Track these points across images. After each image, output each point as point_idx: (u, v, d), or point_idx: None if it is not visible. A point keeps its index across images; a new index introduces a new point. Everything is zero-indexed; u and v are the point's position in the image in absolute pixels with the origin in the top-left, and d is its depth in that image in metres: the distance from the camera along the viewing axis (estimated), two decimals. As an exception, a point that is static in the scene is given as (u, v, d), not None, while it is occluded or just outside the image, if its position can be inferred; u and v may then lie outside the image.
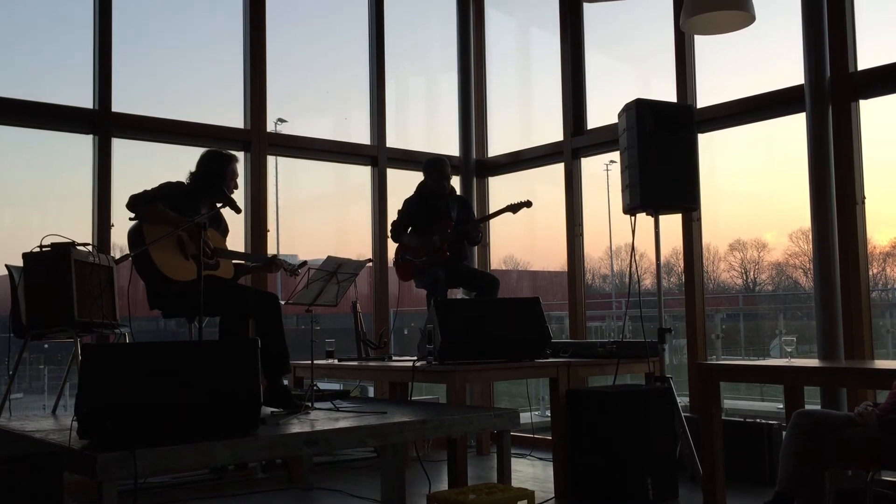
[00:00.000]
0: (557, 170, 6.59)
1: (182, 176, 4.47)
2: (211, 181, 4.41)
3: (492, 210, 6.60)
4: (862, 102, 4.90)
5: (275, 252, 6.16)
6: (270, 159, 6.20)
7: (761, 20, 4.59)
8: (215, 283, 4.18)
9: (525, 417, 6.49)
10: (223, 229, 4.63)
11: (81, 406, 2.88)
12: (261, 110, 6.07)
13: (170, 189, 4.32)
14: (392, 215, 6.17)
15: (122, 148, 5.52)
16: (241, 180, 4.64)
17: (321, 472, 5.34)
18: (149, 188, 4.26)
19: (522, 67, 7.94)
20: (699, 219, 5.56)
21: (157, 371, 3.01)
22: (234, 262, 4.62)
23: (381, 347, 5.70)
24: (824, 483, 3.49)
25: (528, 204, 5.70)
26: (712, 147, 6.03)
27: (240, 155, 5.95)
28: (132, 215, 4.17)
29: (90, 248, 4.50)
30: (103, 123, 5.42)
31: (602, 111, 6.43)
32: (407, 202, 5.93)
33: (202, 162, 4.47)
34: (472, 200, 6.99)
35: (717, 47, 5.80)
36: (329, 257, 4.17)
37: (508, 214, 5.76)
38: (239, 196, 4.53)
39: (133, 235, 4.17)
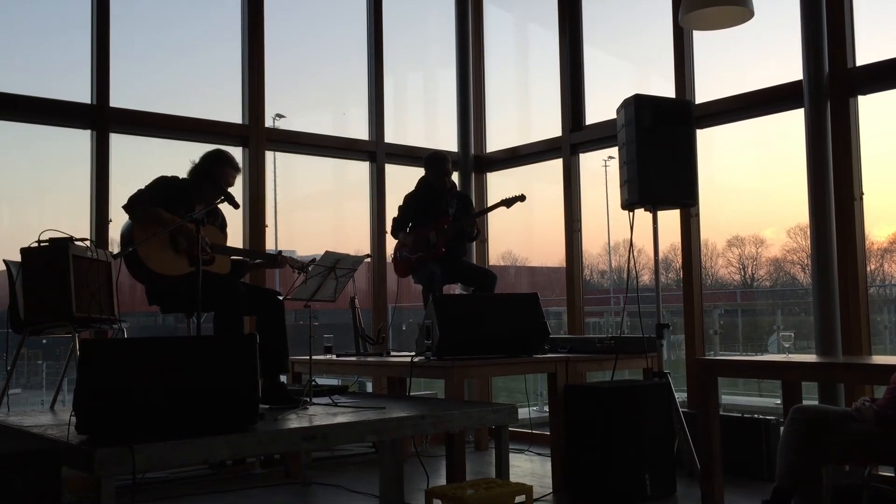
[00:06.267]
0: (556, 165, 6.58)
1: (178, 171, 4.46)
2: (205, 180, 4.41)
3: (486, 205, 6.61)
4: (860, 98, 4.90)
5: (271, 248, 6.15)
6: (269, 155, 6.19)
7: (760, 16, 4.59)
8: (209, 279, 4.15)
9: (523, 413, 6.50)
10: (220, 222, 4.62)
11: (80, 401, 2.88)
12: (259, 106, 6.05)
13: (165, 186, 4.31)
14: (390, 210, 6.16)
15: (120, 143, 5.51)
16: (239, 176, 4.63)
17: (319, 468, 5.35)
18: (143, 187, 4.25)
19: (521, 63, 7.93)
20: (697, 215, 5.56)
21: (156, 366, 3.00)
22: (235, 258, 4.61)
23: (379, 343, 5.70)
24: (822, 479, 3.49)
25: (521, 198, 5.69)
26: (711, 143, 6.02)
27: (238, 150, 5.94)
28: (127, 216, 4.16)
29: (88, 243, 4.49)
30: (101, 119, 5.41)
31: (600, 107, 6.42)
32: (407, 198, 5.90)
33: (204, 159, 4.47)
34: (471, 196, 6.98)
35: (715, 43, 5.80)
36: (327, 252, 4.16)
37: (503, 209, 5.75)
38: (237, 192, 4.52)
39: (125, 237, 4.16)
